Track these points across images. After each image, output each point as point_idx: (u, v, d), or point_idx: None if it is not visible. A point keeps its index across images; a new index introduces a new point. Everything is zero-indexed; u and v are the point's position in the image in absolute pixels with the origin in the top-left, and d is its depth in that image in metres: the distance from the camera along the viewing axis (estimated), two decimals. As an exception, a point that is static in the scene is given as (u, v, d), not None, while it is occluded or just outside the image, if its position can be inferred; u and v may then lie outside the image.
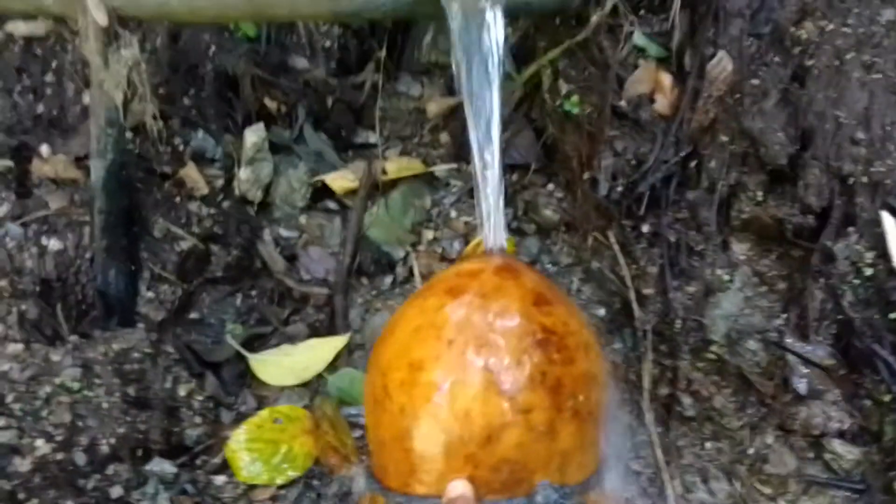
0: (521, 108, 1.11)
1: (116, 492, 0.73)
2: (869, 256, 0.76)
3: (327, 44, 1.15)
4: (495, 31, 0.71)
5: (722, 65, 0.85)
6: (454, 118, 1.16)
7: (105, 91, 0.84)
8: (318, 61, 1.15)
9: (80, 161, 0.95)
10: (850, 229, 0.77)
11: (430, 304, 0.62)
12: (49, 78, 1.00)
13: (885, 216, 0.75)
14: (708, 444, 0.84)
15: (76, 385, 0.75)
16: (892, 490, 0.73)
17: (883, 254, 0.75)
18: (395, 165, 1.07)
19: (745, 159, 0.85)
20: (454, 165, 1.10)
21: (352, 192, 1.06)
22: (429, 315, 0.61)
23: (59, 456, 0.72)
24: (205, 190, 0.99)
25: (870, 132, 0.77)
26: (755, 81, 0.84)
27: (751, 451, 0.81)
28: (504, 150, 1.10)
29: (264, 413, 0.84)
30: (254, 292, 0.98)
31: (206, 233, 0.95)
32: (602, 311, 0.95)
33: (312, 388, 0.91)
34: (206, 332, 0.91)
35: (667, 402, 0.85)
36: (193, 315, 0.92)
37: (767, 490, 0.79)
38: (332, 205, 1.07)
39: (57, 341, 0.79)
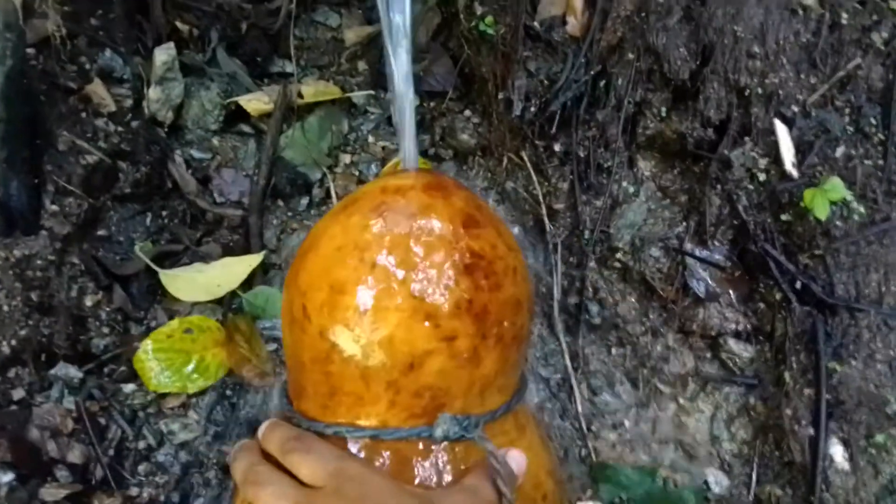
0: (438, 37, 1.12)
1: (18, 394, 0.71)
2: (763, 163, 0.80)
3: (241, -31, 1.13)
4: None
5: (630, -15, 0.88)
6: (372, 47, 1.16)
7: (2, -7, 0.80)
8: (232, -14, 1.13)
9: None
10: (746, 139, 0.81)
11: (353, 221, 0.58)
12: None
13: (778, 124, 0.79)
14: (613, 350, 0.87)
15: (-27, 288, 0.72)
16: (781, 382, 0.78)
17: (776, 160, 0.79)
18: (312, 89, 1.06)
19: (650, 76, 0.88)
20: (372, 93, 1.10)
21: (267, 116, 1.04)
22: (352, 234, 0.58)
23: (-44, 356, 0.69)
24: (112, 107, 0.96)
25: (765, 46, 0.81)
26: (660, 0, 0.86)
27: (653, 354, 0.85)
28: (421, 78, 1.12)
29: (174, 323, 0.82)
30: (164, 212, 0.96)
31: (113, 149, 0.92)
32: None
33: (226, 304, 0.90)
34: (114, 248, 0.89)
35: (575, 311, 0.88)
36: (101, 232, 0.89)
37: (668, 390, 0.83)
38: (246, 128, 1.06)
39: (-46, 247, 0.76)
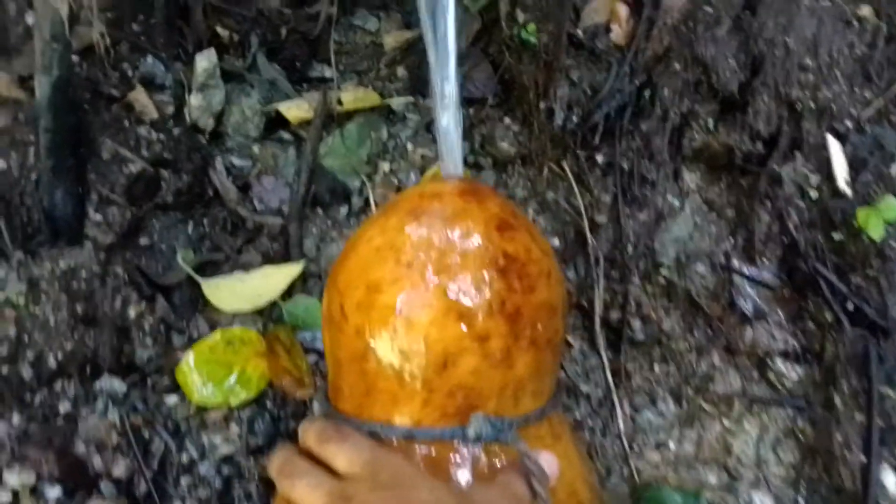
0: (478, 43, 1.11)
1: (65, 407, 0.71)
2: (814, 179, 0.78)
3: (280, -26, 1.13)
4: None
5: (677, -6, 0.86)
6: (411, 52, 1.15)
7: (49, 3, 0.81)
8: (271, -9, 1.13)
9: (25, 82, 0.92)
10: (797, 154, 0.79)
11: (391, 224, 0.61)
12: (-11, -2, 0.97)
13: (831, 139, 0.77)
14: (656, 367, 0.86)
15: (21, 300, 0.73)
16: (831, 405, 0.76)
17: (828, 176, 0.77)
18: (351, 96, 1.06)
19: (697, 87, 0.86)
20: (411, 99, 1.10)
21: (306, 123, 1.04)
22: (389, 235, 0.60)
23: (5, 370, 0.70)
24: (154, 114, 0.97)
25: (817, 59, 0.79)
26: (708, 9, 0.85)
27: (698, 372, 0.83)
28: (461, 84, 1.11)
29: (216, 335, 0.83)
30: (206, 220, 0.96)
31: (155, 157, 0.92)
32: (556, 241, 0.96)
33: (266, 315, 0.90)
34: (156, 257, 0.89)
35: (617, 326, 0.87)
36: (143, 240, 0.90)
37: (713, 409, 0.82)
38: (286, 135, 1.06)
39: (1, 259, 0.77)
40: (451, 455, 0.57)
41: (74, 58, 0.92)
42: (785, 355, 0.80)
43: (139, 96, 0.96)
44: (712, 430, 0.81)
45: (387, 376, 0.58)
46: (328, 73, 1.12)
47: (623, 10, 0.92)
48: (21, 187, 0.85)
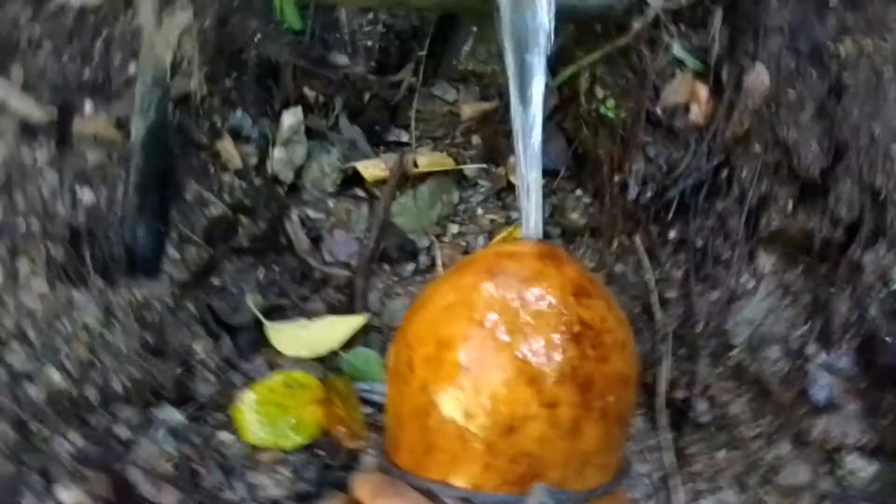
0: (554, 118, 1.13)
1: (124, 433, 0.72)
2: (897, 269, 0.75)
3: (368, 43, 1.18)
4: (543, 14, 0.71)
5: (760, 78, 0.87)
6: (487, 123, 1.18)
7: (155, 51, 0.86)
8: (359, 60, 1.18)
9: (121, 125, 0.97)
10: (880, 241, 0.77)
11: (465, 281, 0.60)
12: (98, 46, 1.03)
13: (916, 229, 0.75)
14: (720, 453, 0.82)
15: (96, 326, 0.75)
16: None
17: (912, 266, 0.75)
18: (427, 159, 1.08)
19: (777, 170, 0.85)
20: (483, 166, 1.12)
21: (381, 182, 1.07)
22: (463, 293, 0.59)
23: (73, 390, 0.72)
24: (238, 164, 1.00)
25: (904, 147, 0.78)
26: (792, 94, 0.84)
27: (764, 461, 0.80)
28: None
29: (277, 377, 0.83)
30: (276, 267, 0.98)
31: (235, 203, 0.96)
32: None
33: (326, 364, 0.91)
34: (226, 298, 0.91)
35: (682, 406, 0.84)
36: (216, 281, 0.92)
37: (778, 502, 0.78)
38: (360, 193, 1.08)
39: (81, 285, 0.80)
40: None
41: (170, 105, 0.97)
42: (859, 450, 0.76)
43: (226, 145, 1.01)
44: (778, 524, 0.77)
45: (449, 435, 0.56)
46: (405, 137, 1.16)
47: (703, 91, 0.92)
48: (107, 222, 0.89)
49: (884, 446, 0.75)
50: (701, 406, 0.83)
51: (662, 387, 0.85)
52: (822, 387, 0.77)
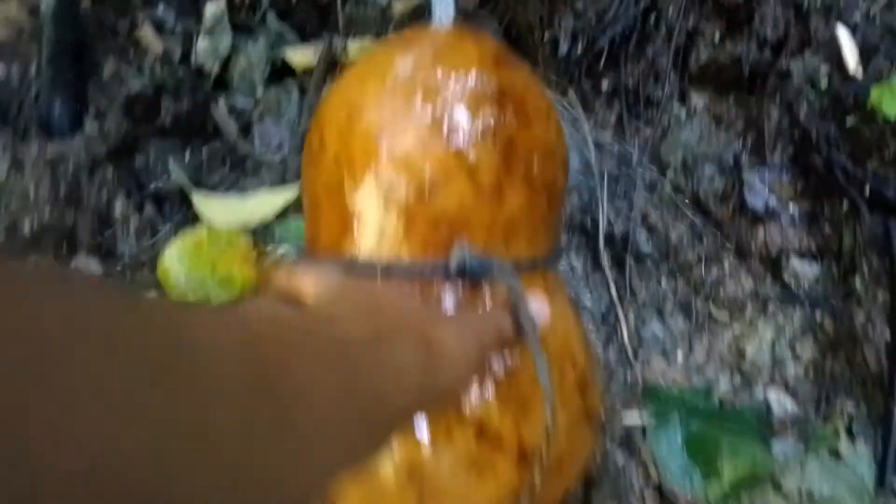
0: (486, 6, 1.12)
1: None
2: (824, 69, 0.75)
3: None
4: None
5: (679, -83, 0.86)
6: (418, 17, 1.16)
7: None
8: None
9: (34, 12, 0.93)
10: (806, 51, 0.77)
11: (378, 54, 0.58)
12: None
13: (841, 28, 0.74)
14: (664, 281, 0.81)
15: (2, 174, 0.72)
16: (851, 292, 0.71)
17: (838, 65, 0.74)
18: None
19: (702, 5, 0.85)
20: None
21: (311, 71, 1.04)
22: (376, 63, 0.57)
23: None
24: (159, 50, 0.97)
25: (822, -44, 0.78)
26: (711, -76, 0.84)
27: (707, 281, 0.78)
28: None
29: (202, 231, 0.80)
30: (205, 152, 0.95)
31: (157, 84, 0.92)
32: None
33: (259, 236, 0.87)
34: (149, 171, 0.88)
35: (622, 242, 0.83)
36: (139, 160, 0.89)
37: (723, 315, 0.76)
38: (291, 84, 1.06)
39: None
40: (433, 293, 0.52)
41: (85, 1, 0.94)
42: (801, 254, 0.74)
43: (146, 32, 0.98)
44: (724, 336, 0.75)
45: (366, 205, 0.53)
46: (337, 41, 1.13)
47: (626, -59, 0.91)
48: (20, 97, 0.85)
49: (825, 248, 0.74)
50: (641, 237, 0.81)
51: (602, 223, 0.83)
52: (759, 196, 0.76)
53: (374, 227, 0.54)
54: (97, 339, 0.16)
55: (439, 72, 0.55)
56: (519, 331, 0.46)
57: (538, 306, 0.50)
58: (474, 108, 0.54)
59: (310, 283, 0.46)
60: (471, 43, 0.58)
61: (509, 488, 0.54)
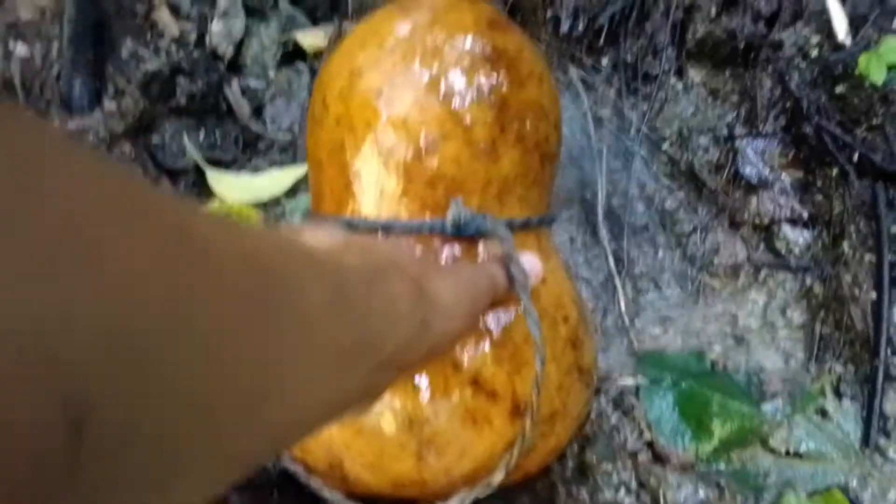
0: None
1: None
2: (815, 39, 0.77)
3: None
4: None
5: None
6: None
7: None
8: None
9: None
10: (798, 22, 0.79)
11: (378, 18, 0.61)
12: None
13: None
14: (660, 251, 0.83)
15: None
16: (840, 254, 0.72)
17: (829, 34, 0.76)
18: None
19: (700, -19, 0.87)
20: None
21: (321, 54, 1.07)
22: (375, 27, 0.60)
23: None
24: (175, 33, 1.01)
25: (816, -70, 0.79)
26: None
27: (702, 250, 0.80)
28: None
29: (214, 204, 0.83)
30: (218, 132, 0.99)
31: (174, 64, 0.96)
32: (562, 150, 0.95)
33: (269, 212, 0.91)
34: (166, 151, 0.92)
35: (620, 212, 0.85)
36: (155, 138, 0.92)
37: (717, 283, 0.78)
38: (302, 66, 1.09)
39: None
40: (431, 250, 0.55)
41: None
42: (792, 222, 0.76)
43: (163, 15, 1.01)
44: (717, 303, 0.77)
45: (366, 165, 0.56)
46: (347, 26, 1.16)
47: (626, -78, 0.94)
48: (43, 77, 0.89)
49: (817, 215, 0.76)
50: (638, 209, 0.83)
51: (601, 197, 0.86)
52: (753, 165, 0.78)
53: (374, 186, 0.57)
54: (122, 210, 0.16)
55: (436, 35, 0.58)
56: (511, 283, 0.49)
57: (530, 260, 0.53)
58: (470, 70, 0.57)
59: (313, 237, 0.49)
60: (467, 7, 0.60)
61: (504, 440, 0.57)
